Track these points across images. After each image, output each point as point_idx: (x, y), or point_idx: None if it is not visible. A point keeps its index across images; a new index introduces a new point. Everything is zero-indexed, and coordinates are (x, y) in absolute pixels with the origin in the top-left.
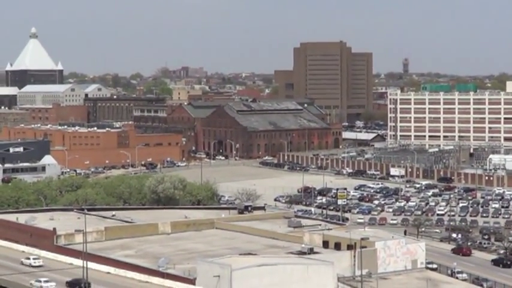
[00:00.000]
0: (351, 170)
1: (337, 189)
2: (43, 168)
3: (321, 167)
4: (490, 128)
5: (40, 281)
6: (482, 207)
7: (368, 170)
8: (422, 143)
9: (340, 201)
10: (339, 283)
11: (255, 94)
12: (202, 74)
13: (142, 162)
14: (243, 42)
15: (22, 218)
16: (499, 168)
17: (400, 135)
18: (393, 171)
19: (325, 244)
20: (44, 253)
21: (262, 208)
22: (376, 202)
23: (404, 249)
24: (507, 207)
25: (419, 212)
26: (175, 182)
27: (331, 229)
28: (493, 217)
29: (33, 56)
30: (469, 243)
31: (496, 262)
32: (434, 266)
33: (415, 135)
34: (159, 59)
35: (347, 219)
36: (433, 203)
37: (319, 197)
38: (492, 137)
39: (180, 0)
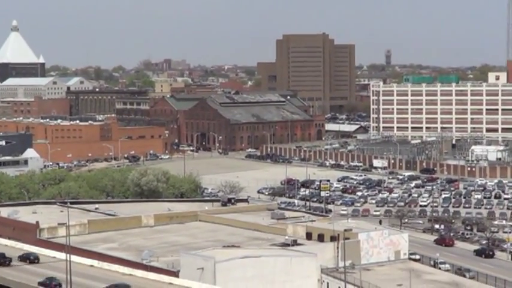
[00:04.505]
0: (333, 162)
1: (320, 181)
2: (25, 162)
3: (304, 159)
4: (472, 119)
5: None
6: (464, 198)
7: (351, 161)
8: (404, 134)
9: (323, 193)
10: (322, 274)
11: (238, 86)
12: (185, 66)
13: (125, 155)
14: (226, 35)
15: (5, 212)
16: (481, 159)
17: (383, 127)
18: (376, 162)
19: (309, 236)
20: (26, 246)
21: (246, 200)
22: (359, 194)
23: (387, 240)
24: (489, 197)
25: (402, 203)
26: (159, 175)
27: (314, 221)
28: (475, 208)
29: (15, 49)
30: (451, 234)
31: (478, 252)
32: (417, 256)
33: (397, 127)
34: (141, 52)
35: (330, 210)
36: (415, 194)
37: (302, 189)
38: (474, 128)
39: None
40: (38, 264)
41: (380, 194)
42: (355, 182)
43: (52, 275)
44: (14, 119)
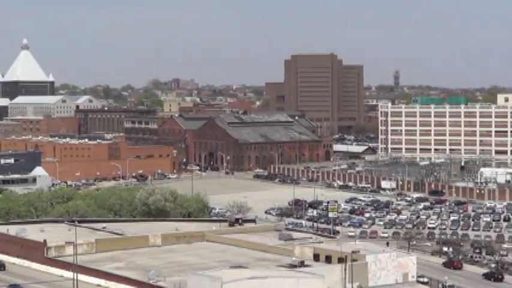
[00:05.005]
0: (341, 183)
1: (328, 202)
2: (34, 180)
3: (312, 179)
4: (481, 141)
5: None
6: (473, 220)
7: (359, 182)
8: (413, 155)
9: (331, 214)
10: None
11: (246, 106)
12: (194, 86)
13: (133, 174)
14: (234, 54)
15: (12, 230)
16: (490, 182)
17: (391, 148)
18: (384, 184)
19: (316, 257)
20: (34, 265)
21: (253, 221)
22: (367, 215)
23: (395, 262)
24: (498, 220)
25: (410, 225)
26: (166, 194)
27: (322, 242)
28: (484, 230)
29: (25, 67)
30: (460, 257)
31: (487, 276)
32: (426, 279)
33: (406, 148)
34: (150, 71)
35: (338, 232)
36: (424, 216)
37: (310, 210)
38: (483, 150)
39: (171, 13)
40: (5, 272)
41: (388, 216)
42: (363, 204)
43: (17, 282)
44: (23, 137)
